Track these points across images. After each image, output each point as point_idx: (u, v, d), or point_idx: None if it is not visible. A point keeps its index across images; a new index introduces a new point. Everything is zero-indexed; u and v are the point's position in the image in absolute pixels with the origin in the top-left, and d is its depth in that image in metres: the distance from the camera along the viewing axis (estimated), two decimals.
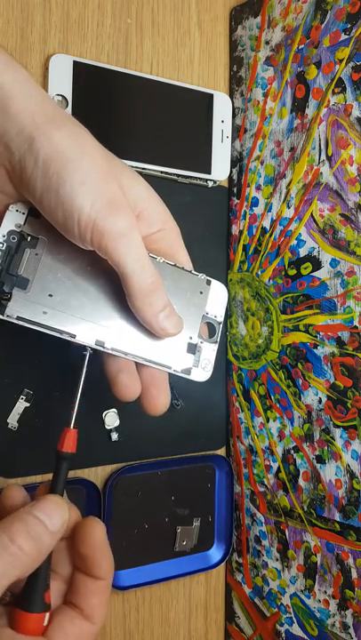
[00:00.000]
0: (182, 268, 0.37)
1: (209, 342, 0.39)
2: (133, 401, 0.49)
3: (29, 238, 0.35)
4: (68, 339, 0.36)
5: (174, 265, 0.36)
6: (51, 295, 0.35)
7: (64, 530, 0.30)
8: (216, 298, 0.39)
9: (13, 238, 0.35)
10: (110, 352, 0.37)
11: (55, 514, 0.29)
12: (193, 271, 0.38)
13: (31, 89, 0.31)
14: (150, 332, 0.36)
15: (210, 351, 0.39)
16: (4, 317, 0.34)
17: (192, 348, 0.39)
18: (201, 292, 0.39)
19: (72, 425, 0.33)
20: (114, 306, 0.37)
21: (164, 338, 0.36)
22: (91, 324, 0.36)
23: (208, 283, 0.39)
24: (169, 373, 0.38)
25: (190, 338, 0.39)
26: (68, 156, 0.30)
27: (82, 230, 0.31)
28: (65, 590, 0.31)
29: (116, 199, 0.31)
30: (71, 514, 0.31)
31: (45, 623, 0.29)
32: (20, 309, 0.35)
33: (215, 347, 0.39)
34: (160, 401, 0.37)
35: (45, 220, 0.35)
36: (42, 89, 0.32)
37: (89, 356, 0.36)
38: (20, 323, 0.35)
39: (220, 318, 0.39)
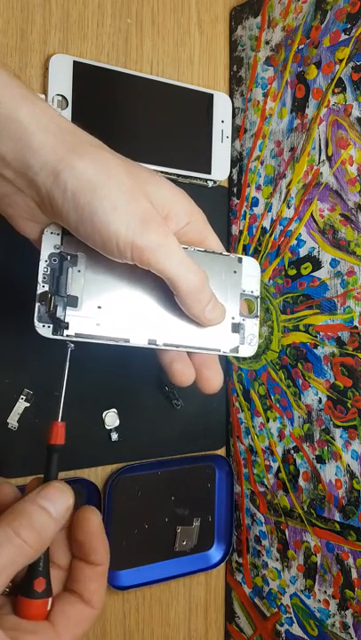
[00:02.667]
0: (213, 252, 0.38)
1: (250, 318, 0.41)
2: (134, 401, 0.49)
3: (69, 257, 0.36)
4: (123, 344, 0.38)
5: (205, 250, 0.38)
6: (100, 307, 0.37)
7: (68, 515, 0.31)
8: (250, 273, 0.41)
9: (55, 260, 0.36)
10: (163, 348, 0.39)
11: (59, 499, 0.30)
12: (224, 252, 0.39)
13: (49, 121, 0.32)
14: (196, 322, 0.38)
15: (252, 326, 0.41)
16: (65, 338, 0.36)
17: (236, 328, 0.41)
18: (235, 272, 0.41)
19: (59, 418, 0.34)
20: (159, 305, 0.39)
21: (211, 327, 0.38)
22: (140, 326, 0.38)
23: (240, 261, 0.40)
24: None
25: (233, 318, 0.41)
26: (94, 184, 0.32)
27: (122, 250, 0.33)
28: (64, 578, 0.32)
29: (147, 215, 0.33)
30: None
31: (48, 608, 0.30)
32: (76, 327, 0.36)
33: (256, 321, 0.41)
34: (215, 381, 0.38)
35: None
36: (60, 117, 0.32)
37: (70, 351, 0.37)
38: (79, 339, 0.37)
39: (257, 292, 0.41)
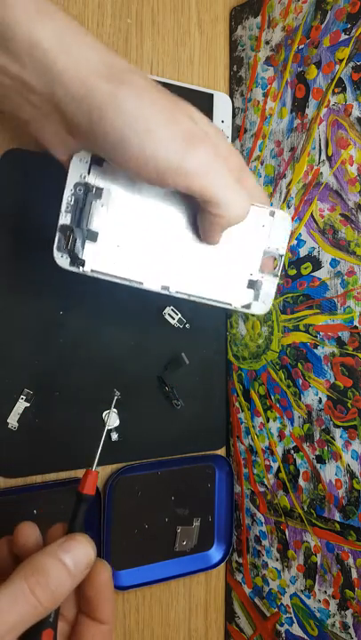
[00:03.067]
0: None
1: (270, 276, 0.40)
2: (134, 401, 0.49)
3: (95, 190, 0.35)
4: (137, 286, 0.37)
5: None
6: (118, 246, 0.36)
7: (87, 572, 0.29)
8: (278, 229, 0.39)
9: (80, 190, 0.35)
10: (175, 295, 0.38)
11: (81, 555, 0.29)
12: (256, 203, 0.37)
13: (72, 39, 0.29)
14: (212, 273, 0.38)
15: (270, 285, 0.40)
16: (81, 271, 0.36)
17: (252, 284, 0.40)
18: (263, 226, 0.39)
19: (94, 467, 0.33)
20: (178, 252, 0.38)
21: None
22: (156, 271, 0.37)
23: (272, 214, 0.39)
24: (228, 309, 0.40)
25: (251, 274, 0.40)
26: (122, 107, 0.29)
27: (162, 176, 0.30)
28: (69, 632, 0.31)
29: (190, 134, 0.31)
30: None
31: None
32: (93, 263, 0.36)
33: (276, 280, 0.40)
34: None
35: (111, 168, 0.35)
36: (83, 33, 0.30)
37: (116, 399, 0.38)
38: (94, 275, 0.36)
39: (283, 250, 0.40)
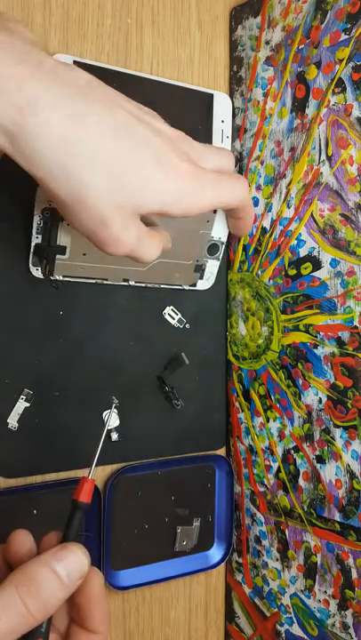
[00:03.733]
0: None
1: (212, 259, 0.48)
2: (134, 401, 0.49)
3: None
4: (103, 282, 0.45)
5: None
6: (84, 254, 0.43)
7: (79, 583, 0.29)
8: (220, 222, 0.46)
9: (47, 214, 0.41)
10: (135, 285, 0.46)
11: (74, 565, 0.28)
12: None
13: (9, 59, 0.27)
14: (165, 264, 0.45)
15: (213, 266, 0.49)
16: (53, 278, 0.43)
17: (198, 268, 0.48)
18: (208, 221, 0.45)
19: (90, 475, 0.33)
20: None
21: None
22: (117, 268, 0.44)
23: (214, 211, 0.45)
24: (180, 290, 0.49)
25: (197, 261, 0.48)
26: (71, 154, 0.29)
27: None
28: None
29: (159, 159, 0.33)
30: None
31: None
32: (63, 271, 0.43)
33: (217, 262, 0.49)
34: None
35: None
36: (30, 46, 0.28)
37: (113, 409, 0.43)
38: (67, 280, 0.44)
39: (224, 239, 0.47)
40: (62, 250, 0.42)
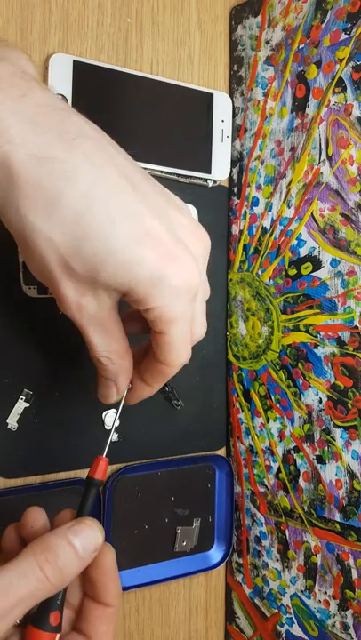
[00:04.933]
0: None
1: None
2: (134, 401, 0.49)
3: None
4: None
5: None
6: None
7: (94, 556, 0.30)
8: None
9: None
10: None
11: (89, 538, 0.29)
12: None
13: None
14: None
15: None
16: (49, 296, 0.42)
17: None
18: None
19: (105, 454, 0.34)
20: None
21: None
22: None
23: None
24: None
25: None
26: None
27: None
28: (74, 618, 0.32)
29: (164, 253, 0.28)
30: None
31: None
32: None
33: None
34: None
35: None
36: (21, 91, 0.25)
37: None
38: None
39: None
40: None
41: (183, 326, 0.30)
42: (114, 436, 0.48)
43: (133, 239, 0.26)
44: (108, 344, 0.31)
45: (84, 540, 0.29)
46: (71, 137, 0.26)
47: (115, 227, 0.26)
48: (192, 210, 0.50)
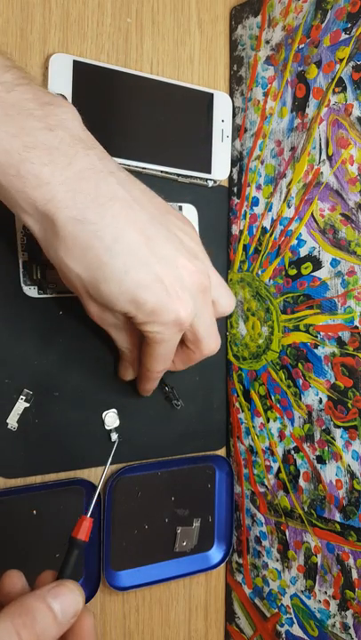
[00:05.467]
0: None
1: None
2: (134, 401, 0.49)
3: None
4: None
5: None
6: None
7: (73, 621, 0.29)
8: (190, 220, 0.44)
9: (29, 230, 0.41)
10: None
11: (69, 602, 0.29)
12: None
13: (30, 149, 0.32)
14: None
15: None
16: (49, 295, 0.43)
17: None
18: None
19: (89, 513, 0.33)
20: None
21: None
22: None
23: (180, 209, 0.46)
24: None
25: None
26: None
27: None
28: None
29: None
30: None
31: None
32: (57, 288, 0.43)
33: None
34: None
35: None
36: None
37: (116, 445, 0.44)
38: (61, 295, 0.44)
39: None
40: (51, 264, 0.43)
41: (166, 347, 0.38)
42: (114, 436, 0.48)
43: (142, 284, 0.34)
44: (125, 340, 0.41)
45: (64, 603, 0.28)
46: (104, 201, 0.33)
47: (128, 275, 0.34)
48: (192, 210, 0.50)
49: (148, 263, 0.34)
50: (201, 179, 0.51)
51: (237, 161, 0.52)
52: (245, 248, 0.51)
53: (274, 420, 0.49)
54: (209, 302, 0.39)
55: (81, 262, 0.33)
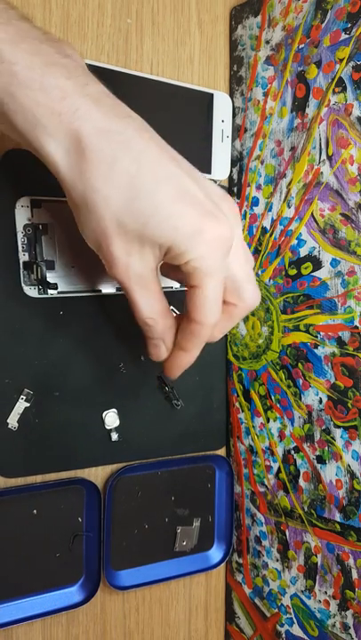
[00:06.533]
0: None
1: None
2: (134, 401, 0.49)
3: (40, 227, 0.42)
4: (97, 293, 0.45)
5: None
6: (73, 267, 0.43)
7: None
8: None
9: (29, 230, 0.42)
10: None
11: None
12: None
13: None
14: None
15: None
16: (49, 296, 0.43)
17: None
18: None
19: None
20: None
21: None
22: (108, 277, 0.45)
23: None
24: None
25: None
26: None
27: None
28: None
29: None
30: None
31: None
32: (57, 287, 0.43)
33: None
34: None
35: (48, 205, 0.42)
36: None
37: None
38: (61, 295, 0.44)
39: None
40: (51, 265, 0.43)
41: (217, 281, 0.33)
42: (114, 436, 0.48)
43: (175, 196, 0.31)
44: (152, 305, 0.35)
45: None
46: (124, 116, 0.32)
47: (159, 185, 0.31)
48: None
49: (179, 174, 0.32)
50: None
51: (237, 161, 0.52)
52: None
53: (274, 420, 0.49)
54: (242, 238, 0.36)
55: (108, 180, 0.30)
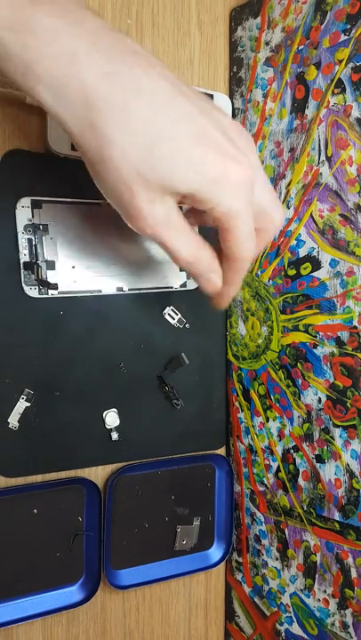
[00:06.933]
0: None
1: None
2: (134, 401, 0.49)
3: (41, 227, 0.43)
4: (97, 294, 0.46)
5: None
6: (73, 267, 0.44)
7: None
8: None
9: (29, 230, 0.42)
10: (128, 292, 0.47)
11: None
12: None
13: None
14: (150, 268, 0.45)
15: None
16: (50, 296, 0.44)
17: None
18: None
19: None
20: (121, 260, 0.46)
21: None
22: (108, 278, 0.46)
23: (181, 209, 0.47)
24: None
25: None
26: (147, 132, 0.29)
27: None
28: None
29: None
30: None
31: None
32: (57, 288, 0.44)
33: None
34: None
35: (48, 206, 0.42)
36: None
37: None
38: (62, 296, 0.44)
39: None
40: (52, 265, 0.43)
41: (246, 219, 0.32)
42: (114, 436, 0.48)
43: (193, 138, 0.29)
44: (190, 244, 0.33)
45: None
46: (128, 54, 0.28)
47: (176, 128, 0.29)
48: None
49: (193, 113, 0.29)
50: None
51: None
52: None
53: (273, 420, 0.49)
54: (260, 166, 0.34)
55: (123, 129, 0.28)
